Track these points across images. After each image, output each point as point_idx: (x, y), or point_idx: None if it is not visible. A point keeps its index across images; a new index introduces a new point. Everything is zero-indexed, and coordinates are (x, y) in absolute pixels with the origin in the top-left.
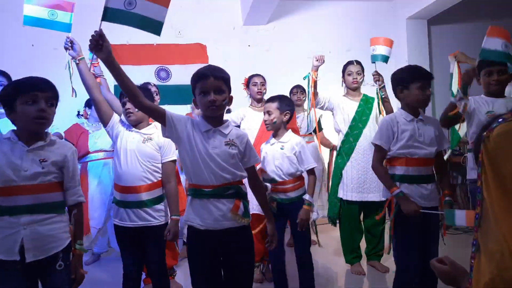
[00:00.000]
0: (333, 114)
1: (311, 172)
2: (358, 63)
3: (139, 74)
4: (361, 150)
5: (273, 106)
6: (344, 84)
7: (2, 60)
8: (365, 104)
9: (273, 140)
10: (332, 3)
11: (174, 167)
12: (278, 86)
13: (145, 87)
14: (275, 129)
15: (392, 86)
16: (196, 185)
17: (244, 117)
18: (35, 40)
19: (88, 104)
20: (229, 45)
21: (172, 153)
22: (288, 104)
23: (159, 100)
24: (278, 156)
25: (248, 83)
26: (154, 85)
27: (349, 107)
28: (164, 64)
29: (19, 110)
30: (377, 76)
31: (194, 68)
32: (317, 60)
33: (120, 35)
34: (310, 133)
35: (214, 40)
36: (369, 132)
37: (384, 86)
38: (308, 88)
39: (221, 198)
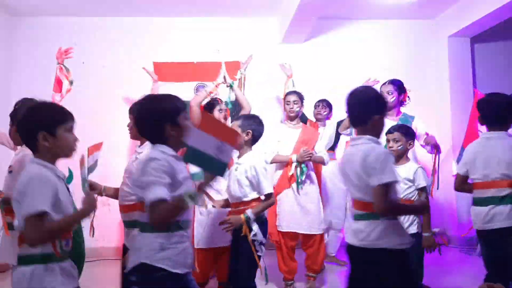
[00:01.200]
0: None
1: (267, 197)
2: (390, 82)
3: (180, 90)
4: None
5: (236, 124)
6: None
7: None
8: (404, 123)
9: (236, 159)
10: (370, 21)
11: None
12: (313, 104)
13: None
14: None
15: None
16: None
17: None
18: (86, 59)
19: None
20: (267, 62)
21: None
22: (251, 124)
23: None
24: (231, 177)
25: (284, 100)
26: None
27: (386, 127)
28: (203, 81)
29: (183, 124)
30: None
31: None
32: None
33: (163, 53)
34: (331, 149)
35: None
36: None
37: None
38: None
39: None
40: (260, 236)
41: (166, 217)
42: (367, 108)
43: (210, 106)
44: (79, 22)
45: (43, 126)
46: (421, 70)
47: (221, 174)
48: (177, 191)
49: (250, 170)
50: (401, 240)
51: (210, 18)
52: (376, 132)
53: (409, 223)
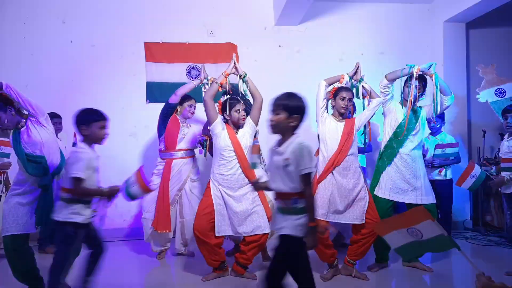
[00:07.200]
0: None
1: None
2: (420, 77)
3: (171, 71)
4: (401, 156)
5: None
6: (403, 95)
7: (42, 55)
8: (414, 113)
9: None
10: (366, 4)
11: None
12: (307, 87)
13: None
14: None
15: None
16: None
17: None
18: (74, 37)
19: (181, 102)
20: (260, 45)
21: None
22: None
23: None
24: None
25: (335, 94)
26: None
27: (399, 113)
28: (195, 62)
29: None
30: None
31: (224, 67)
32: None
33: (154, 33)
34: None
35: (245, 39)
36: (411, 140)
37: None
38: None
39: None
40: None
41: None
42: None
43: (229, 105)
44: (68, 0)
45: None
46: (415, 54)
47: None
48: None
49: None
50: None
51: None
52: None
53: None
